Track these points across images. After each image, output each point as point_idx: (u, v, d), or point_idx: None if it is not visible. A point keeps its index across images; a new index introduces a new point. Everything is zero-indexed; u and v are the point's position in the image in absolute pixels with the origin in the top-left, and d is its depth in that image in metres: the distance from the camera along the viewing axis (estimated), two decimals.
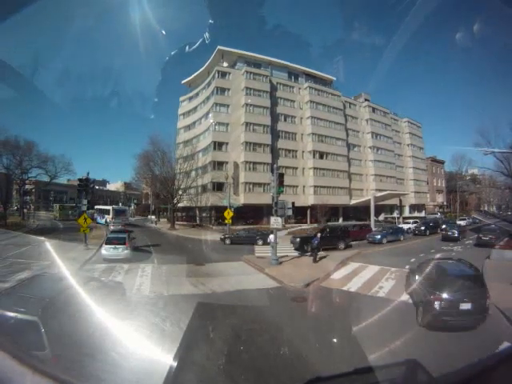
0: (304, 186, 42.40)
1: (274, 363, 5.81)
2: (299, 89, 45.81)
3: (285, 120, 42.93)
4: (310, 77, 47.99)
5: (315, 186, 42.41)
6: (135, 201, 65.10)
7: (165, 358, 4.59)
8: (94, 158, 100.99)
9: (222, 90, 40.89)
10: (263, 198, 37.59)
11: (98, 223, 38.77)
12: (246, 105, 40.03)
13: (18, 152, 40.39)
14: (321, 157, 43.67)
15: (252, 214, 38.56)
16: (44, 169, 43.69)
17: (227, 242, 24.46)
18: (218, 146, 38.61)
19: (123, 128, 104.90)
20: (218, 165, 38.05)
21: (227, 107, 40.34)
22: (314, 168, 42.59)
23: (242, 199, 37.52)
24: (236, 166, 37.95)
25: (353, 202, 46.59)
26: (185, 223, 40.72)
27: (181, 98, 48.53)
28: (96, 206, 45.50)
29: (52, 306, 5.25)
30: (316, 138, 43.68)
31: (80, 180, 21.83)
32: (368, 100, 53.96)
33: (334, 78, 50.24)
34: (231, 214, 30.16)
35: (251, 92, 41.02)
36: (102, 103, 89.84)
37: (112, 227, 28.76)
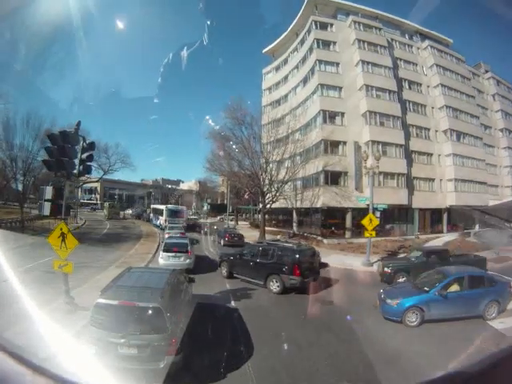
0: (441, 180, 29.69)
1: None
2: (418, 49, 33.62)
3: (409, 88, 30.59)
4: (424, 37, 35.77)
5: (456, 180, 29.65)
6: (209, 200, 54.09)
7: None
8: (170, 158, 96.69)
9: (325, 44, 29.14)
10: (396, 197, 25.29)
11: (154, 225, 32.53)
12: (362, 62, 28.06)
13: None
14: (458, 139, 31.01)
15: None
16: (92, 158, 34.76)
17: None
18: (330, 117, 26.55)
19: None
20: (332, 146, 25.92)
21: (336, 66, 28.45)
22: (454, 154, 29.89)
23: (366, 196, 25.19)
24: (358, 147, 25.73)
25: (492, 202, 33.44)
26: (275, 230, 28.60)
27: (264, 70, 37.87)
28: (152, 205, 38.28)
29: None
30: (451, 113, 31.09)
31: (51, 137, 8.17)
32: (488, 71, 41.19)
33: (452, 41, 37.94)
34: (376, 221, 17.49)
35: (365, 46, 29.11)
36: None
37: (167, 235, 19.60)
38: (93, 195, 62.97)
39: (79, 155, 8.19)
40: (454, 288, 9.13)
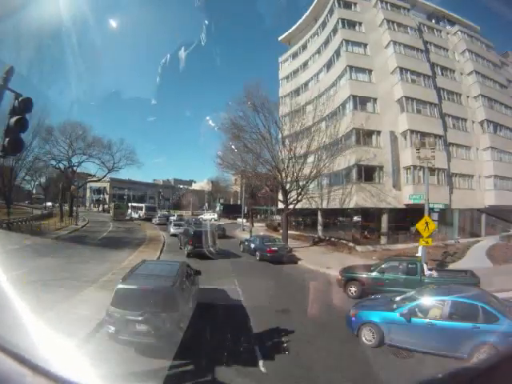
0: (480, 177, 26.54)
1: None
2: (447, 34, 30.65)
3: (442, 74, 27.49)
4: (452, 23, 32.83)
5: (495, 177, 26.53)
6: (221, 200, 50.95)
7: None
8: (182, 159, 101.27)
9: (350, 24, 25.91)
10: (438, 196, 21.89)
11: (132, 218, 42.75)
12: (394, 43, 24.86)
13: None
14: (494, 131, 27.96)
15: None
16: (94, 156, 35.45)
17: None
18: (361, 103, 23.20)
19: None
20: (364, 136, 22.55)
21: (364, 47, 25.20)
22: (492, 148, 26.81)
23: (405, 195, 21.80)
24: (394, 138, 22.41)
25: None
26: (295, 233, 25.03)
27: (280, 59, 34.77)
28: (130, 204, 48.65)
29: None
30: (486, 103, 28.07)
31: None
32: None
33: (479, 27, 35.13)
34: (433, 225, 13.78)
35: (394, 26, 25.97)
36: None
37: (158, 220, 36.38)
38: (101, 195, 63.13)
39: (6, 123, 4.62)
40: (432, 314, 6.78)
